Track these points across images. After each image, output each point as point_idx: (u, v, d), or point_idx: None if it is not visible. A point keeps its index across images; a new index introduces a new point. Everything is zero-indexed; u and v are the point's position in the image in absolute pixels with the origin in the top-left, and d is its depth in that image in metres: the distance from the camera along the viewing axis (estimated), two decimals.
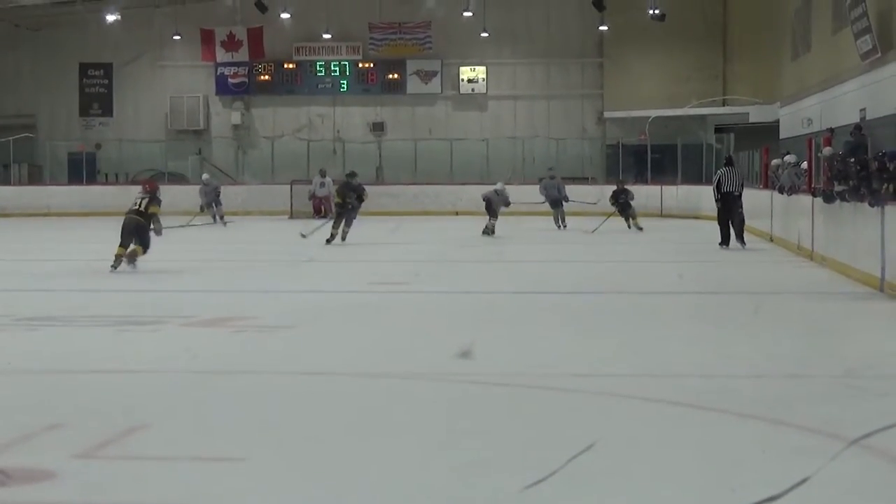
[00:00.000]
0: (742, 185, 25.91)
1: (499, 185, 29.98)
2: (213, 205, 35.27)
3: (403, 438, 7.76)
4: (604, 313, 14.57)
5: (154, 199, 19.67)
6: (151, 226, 19.40)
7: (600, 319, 14.03)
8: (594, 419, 8.33)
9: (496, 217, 28.72)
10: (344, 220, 25.68)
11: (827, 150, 21.16)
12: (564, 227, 31.77)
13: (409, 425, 8.18)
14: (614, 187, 31.98)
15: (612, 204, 31.08)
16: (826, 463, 6.66)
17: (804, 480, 6.22)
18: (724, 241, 25.02)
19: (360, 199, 26.21)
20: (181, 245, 26.46)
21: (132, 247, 19.15)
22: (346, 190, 26.28)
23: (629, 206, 30.67)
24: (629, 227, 30.69)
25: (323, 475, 6.83)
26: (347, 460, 7.18)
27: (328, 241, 25.16)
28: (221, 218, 35.04)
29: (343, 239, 25.30)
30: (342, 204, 25.88)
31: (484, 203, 29.21)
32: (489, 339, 11.78)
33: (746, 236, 25.40)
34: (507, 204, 29.41)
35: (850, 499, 6.26)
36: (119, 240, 19.04)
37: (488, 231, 28.49)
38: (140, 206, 19.51)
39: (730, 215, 25.07)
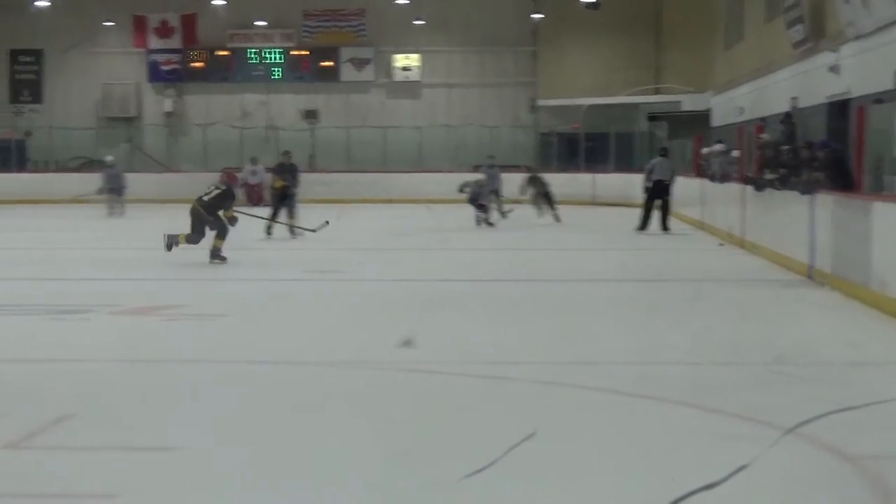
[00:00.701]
0: (673, 175, 26.76)
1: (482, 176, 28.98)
2: (117, 193, 33.04)
3: (339, 428, 7.74)
4: (539, 301, 14.60)
5: (228, 194, 19.11)
6: (217, 217, 18.71)
7: (535, 307, 14.05)
8: (531, 408, 8.33)
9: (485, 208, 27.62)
10: (287, 212, 24.13)
11: (765, 136, 21.32)
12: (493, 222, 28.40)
13: (345, 414, 8.16)
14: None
15: (525, 192, 30.31)
16: (763, 451, 6.72)
17: (742, 468, 6.27)
18: (643, 226, 25.92)
19: (296, 180, 25.06)
20: (109, 232, 26.31)
21: (212, 239, 18.76)
22: (283, 171, 25.08)
23: (549, 195, 29.98)
24: (547, 216, 29.29)
25: (255, 465, 6.78)
26: (280, 450, 7.14)
27: (268, 233, 23.83)
28: (121, 207, 32.77)
29: (293, 234, 23.82)
30: (284, 187, 24.29)
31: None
32: (425, 328, 11.76)
33: (677, 223, 25.75)
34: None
35: (787, 486, 6.30)
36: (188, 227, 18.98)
37: (483, 222, 27.32)
38: (208, 195, 18.92)
39: (655, 203, 26.04)
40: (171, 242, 18.79)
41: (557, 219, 28.93)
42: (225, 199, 18.93)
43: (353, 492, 6.25)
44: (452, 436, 7.50)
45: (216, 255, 18.62)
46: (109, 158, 34.36)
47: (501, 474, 6.42)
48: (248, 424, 7.82)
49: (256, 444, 7.29)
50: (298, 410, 8.27)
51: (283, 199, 24.26)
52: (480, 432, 7.51)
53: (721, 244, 16.86)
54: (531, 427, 7.30)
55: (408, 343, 10.61)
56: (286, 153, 26.42)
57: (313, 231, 22.39)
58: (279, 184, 24.61)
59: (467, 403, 8.54)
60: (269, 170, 27.73)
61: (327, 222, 22.70)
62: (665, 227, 25.87)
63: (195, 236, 18.89)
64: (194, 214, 18.87)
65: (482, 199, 27.55)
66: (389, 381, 9.46)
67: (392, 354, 10.36)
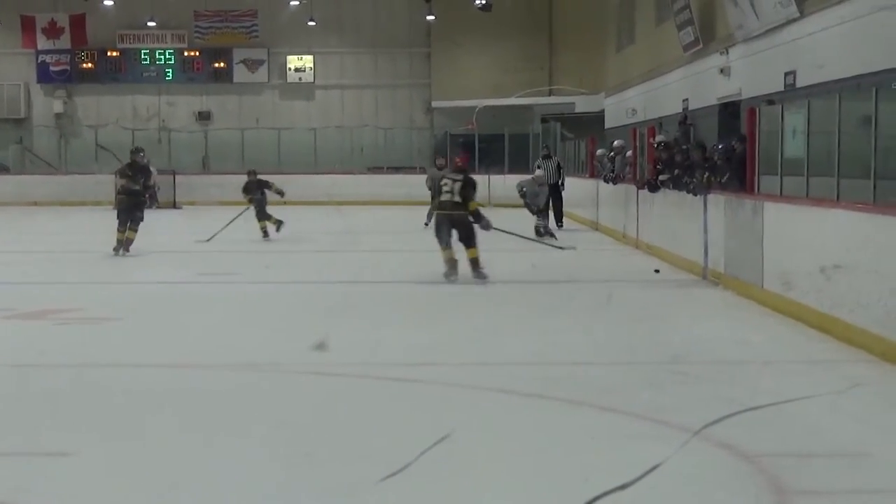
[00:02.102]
0: (560, 174, 28.22)
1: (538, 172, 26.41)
2: None
3: (243, 429, 7.70)
4: (436, 302, 14.61)
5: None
6: None
7: (433, 308, 14.09)
8: (433, 410, 8.36)
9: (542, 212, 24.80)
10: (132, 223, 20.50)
11: (660, 137, 21.51)
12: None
13: (248, 416, 8.12)
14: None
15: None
16: (671, 451, 6.78)
17: (654, 468, 6.33)
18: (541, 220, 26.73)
19: (148, 184, 22.31)
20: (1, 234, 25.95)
21: None
22: (133, 173, 21.21)
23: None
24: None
25: (150, 470, 6.74)
26: (176, 455, 7.09)
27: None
28: None
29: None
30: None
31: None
32: (330, 331, 11.68)
33: (572, 223, 26.10)
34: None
35: (689, 486, 6.38)
36: None
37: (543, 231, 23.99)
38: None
39: (555, 201, 27.27)
40: None
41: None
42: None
43: (252, 499, 6.21)
44: (362, 439, 7.47)
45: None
46: None
47: (414, 478, 6.42)
48: (142, 429, 7.74)
49: (151, 449, 7.23)
50: (196, 414, 8.21)
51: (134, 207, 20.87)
52: (390, 436, 7.50)
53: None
54: (442, 430, 7.29)
55: (321, 346, 10.56)
56: (136, 150, 22.52)
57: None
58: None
59: (375, 406, 8.53)
60: (117, 171, 25.23)
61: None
62: (559, 223, 27.22)
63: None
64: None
65: (539, 200, 24.51)
66: (292, 384, 9.42)
67: (295, 357, 10.32)
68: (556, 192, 27.53)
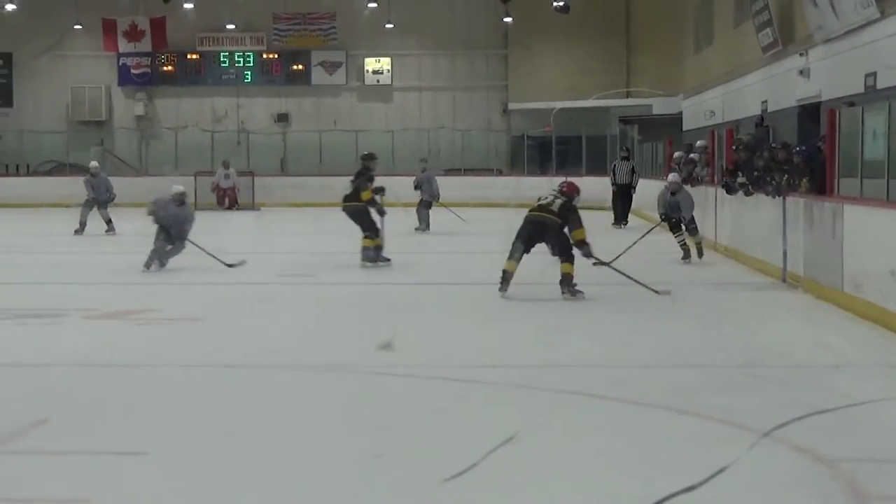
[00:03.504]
0: (633, 176, 30.20)
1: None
2: (104, 208, 27.57)
3: (316, 430, 7.75)
4: (507, 303, 14.58)
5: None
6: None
7: (503, 310, 14.08)
8: (505, 411, 8.33)
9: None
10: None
11: (744, 138, 21.32)
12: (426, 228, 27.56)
13: (323, 417, 8.17)
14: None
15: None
16: (741, 454, 6.74)
17: (720, 471, 6.29)
18: (617, 221, 29.56)
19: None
20: (83, 236, 26.18)
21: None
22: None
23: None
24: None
25: (227, 469, 6.80)
26: (254, 454, 7.13)
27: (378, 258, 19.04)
28: (109, 223, 27.40)
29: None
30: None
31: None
32: (402, 332, 11.76)
33: (647, 226, 25.99)
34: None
35: (763, 489, 6.33)
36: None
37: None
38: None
39: (624, 201, 29.86)
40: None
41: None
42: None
43: (328, 497, 6.25)
44: (430, 439, 7.49)
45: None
46: (94, 164, 29.14)
47: (480, 478, 6.42)
48: (221, 429, 7.81)
49: (229, 448, 7.29)
50: (272, 414, 8.28)
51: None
52: (458, 436, 7.52)
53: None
54: (508, 431, 7.30)
55: (387, 346, 10.61)
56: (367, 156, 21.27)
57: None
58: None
59: (445, 407, 8.55)
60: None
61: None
62: (625, 221, 29.50)
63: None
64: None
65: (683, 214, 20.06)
66: (366, 384, 9.46)
67: (368, 358, 10.36)
68: (626, 192, 29.86)
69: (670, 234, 19.94)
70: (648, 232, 19.08)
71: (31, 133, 46.30)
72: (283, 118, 47.39)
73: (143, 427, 7.82)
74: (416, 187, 27.49)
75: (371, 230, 18.70)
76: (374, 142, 43.67)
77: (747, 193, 18.53)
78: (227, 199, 37.70)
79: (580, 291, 14.71)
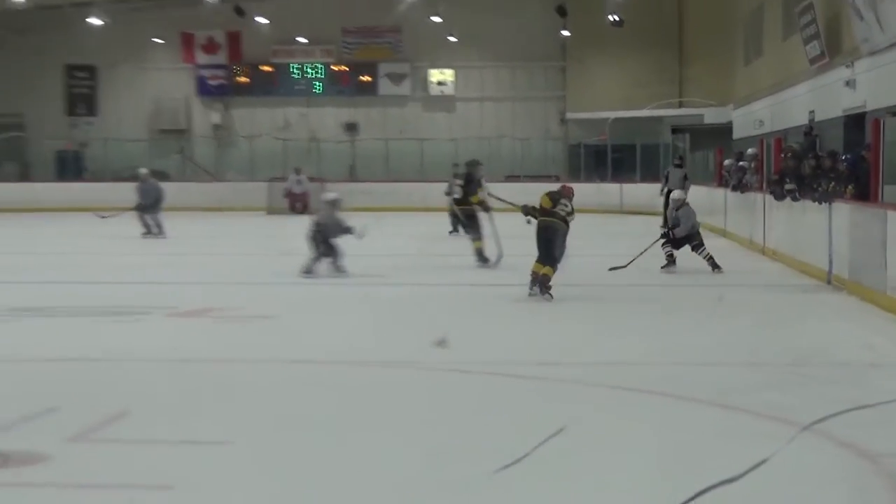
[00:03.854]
0: (685, 183, 28.73)
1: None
2: (152, 212, 26.95)
3: (379, 423, 7.81)
4: (563, 303, 14.58)
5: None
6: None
7: (560, 309, 14.06)
8: (559, 406, 8.37)
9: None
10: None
11: (795, 146, 21.23)
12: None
13: (385, 411, 8.23)
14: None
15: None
16: (781, 447, 6.73)
17: (761, 463, 6.28)
18: (666, 225, 27.23)
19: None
20: (160, 238, 26.37)
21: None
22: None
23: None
24: None
25: (300, 459, 6.88)
26: (324, 444, 7.22)
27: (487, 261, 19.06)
28: (159, 227, 26.82)
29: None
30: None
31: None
32: (461, 330, 11.81)
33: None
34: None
35: (804, 481, 6.32)
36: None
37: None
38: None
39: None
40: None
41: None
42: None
43: (385, 488, 6.30)
44: (483, 432, 7.53)
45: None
46: (143, 171, 28.61)
47: (530, 469, 6.45)
48: (293, 420, 7.89)
49: (300, 438, 7.37)
50: (340, 407, 8.36)
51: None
52: (509, 429, 7.54)
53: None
54: (558, 424, 7.31)
55: (442, 343, 10.65)
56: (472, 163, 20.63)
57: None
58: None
59: (501, 402, 8.60)
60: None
61: None
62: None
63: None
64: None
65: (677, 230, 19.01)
66: (425, 379, 9.53)
67: (428, 355, 10.39)
68: None
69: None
70: (652, 245, 18.51)
71: (114, 141, 46.74)
72: (351, 127, 47.57)
73: (219, 418, 7.91)
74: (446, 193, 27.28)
75: (476, 233, 18.95)
76: (438, 150, 43.79)
77: (795, 199, 18.46)
78: (299, 204, 37.85)
79: (551, 294, 14.57)
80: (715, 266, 18.31)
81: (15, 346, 11.23)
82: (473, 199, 19.22)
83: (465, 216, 19.49)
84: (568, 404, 8.45)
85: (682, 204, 19.20)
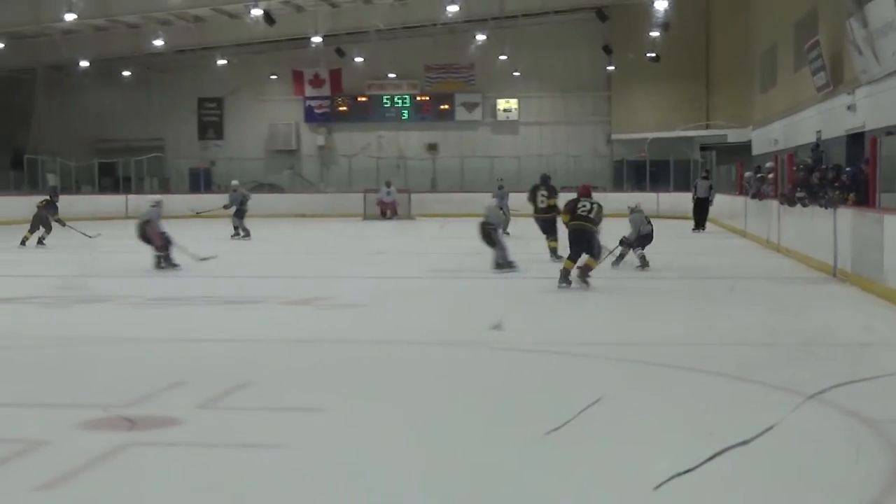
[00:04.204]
0: (711, 192, 30.19)
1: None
2: (236, 215, 26.93)
3: (449, 393, 7.78)
4: (610, 291, 14.45)
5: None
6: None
7: (606, 297, 13.96)
8: (598, 379, 8.27)
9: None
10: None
11: (809, 160, 20.99)
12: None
13: (453, 383, 8.20)
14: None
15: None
16: (787, 414, 6.61)
17: (770, 428, 6.17)
18: (696, 227, 29.71)
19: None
20: (275, 239, 26.58)
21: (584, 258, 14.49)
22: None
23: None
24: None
25: (385, 420, 6.87)
26: (405, 409, 7.21)
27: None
28: (236, 229, 26.48)
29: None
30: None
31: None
32: (516, 316, 11.77)
33: (725, 232, 25.80)
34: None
35: (811, 443, 6.20)
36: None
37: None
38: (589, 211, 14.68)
39: (701, 211, 30.05)
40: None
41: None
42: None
43: (455, 447, 6.26)
44: (533, 401, 7.46)
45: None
46: (234, 182, 28.31)
47: (574, 432, 6.38)
48: (380, 391, 7.86)
49: (386, 406, 7.34)
50: (417, 380, 8.33)
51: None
52: (558, 398, 7.45)
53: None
54: (597, 394, 7.22)
55: (498, 327, 10.59)
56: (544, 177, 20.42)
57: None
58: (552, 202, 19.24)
59: (551, 376, 8.52)
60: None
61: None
62: (703, 227, 29.68)
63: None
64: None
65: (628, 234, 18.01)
66: (486, 357, 9.45)
67: (496, 336, 10.32)
68: (705, 205, 30.02)
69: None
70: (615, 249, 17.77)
71: (237, 159, 47.24)
72: (432, 147, 47.71)
73: (321, 389, 7.90)
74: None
75: (554, 235, 18.88)
76: (505, 166, 43.76)
77: (805, 205, 18.21)
78: (389, 211, 37.95)
79: (587, 283, 14.32)
80: (645, 264, 17.44)
81: (148, 329, 11.31)
82: (551, 202, 19.17)
83: (547, 220, 19.25)
84: (604, 378, 8.36)
85: (633, 211, 18.36)
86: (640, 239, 17.76)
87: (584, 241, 14.41)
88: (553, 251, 18.82)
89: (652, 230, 18.01)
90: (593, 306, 13.15)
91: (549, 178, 20.37)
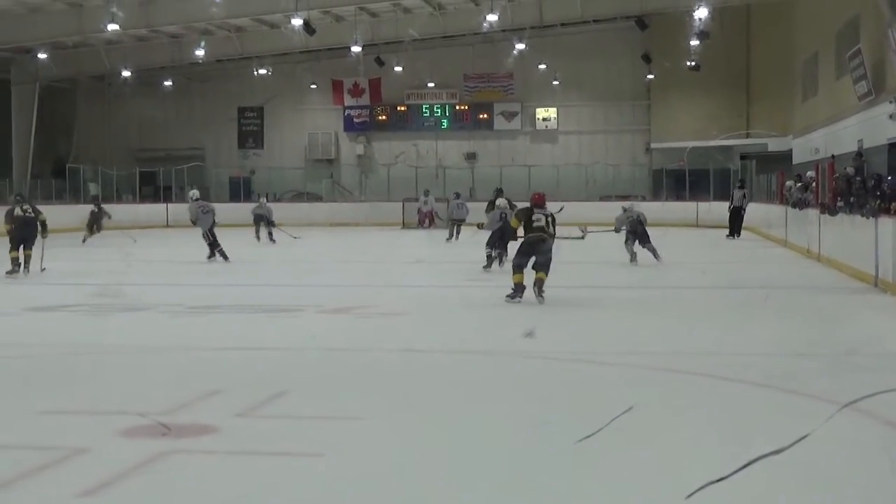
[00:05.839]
0: (745, 201, 31.14)
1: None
2: (263, 224, 29.21)
3: (482, 402, 7.77)
4: (648, 301, 14.41)
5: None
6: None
7: (644, 307, 13.95)
8: (631, 388, 8.23)
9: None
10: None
11: (849, 170, 20.88)
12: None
13: (487, 392, 8.19)
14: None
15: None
16: (823, 423, 6.55)
17: (805, 437, 6.13)
18: (731, 234, 30.40)
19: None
20: (313, 248, 26.66)
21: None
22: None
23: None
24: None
25: (420, 429, 6.89)
26: (439, 418, 7.23)
27: None
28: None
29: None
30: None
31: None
32: (551, 325, 11.79)
33: (765, 241, 25.65)
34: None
35: (843, 452, 6.17)
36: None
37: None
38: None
39: (736, 219, 30.79)
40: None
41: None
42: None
43: (497, 453, 6.28)
44: (568, 409, 7.46)
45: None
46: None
47: (607, 439, 6.36)
48: (415, 399, 7.89)
49: (421, 414, 7.36)
50: (454, 388, 8.33)
51: None
52: (591, 406, 7.44)
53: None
54: (630, 403, 7.18)
55: (529, 335, 10.58)
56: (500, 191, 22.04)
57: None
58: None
59: (593, 384, 8.50)
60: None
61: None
62: (738, 234, 30.41)
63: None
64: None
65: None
66: (534, 367, 9.44)
67: (536, 346, 10.32)
68: (739, 213, 30.87)
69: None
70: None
71: (277, 169, 47.53)
72: (471, 156, 47.71)
73: (358, 398, 7.91)
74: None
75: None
76: (543, 175, 43.70)
77: (846, 214, 18.09)
78: (427, 220, 38.02)
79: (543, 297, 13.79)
80: (633, 257, 20.00)
81: (187, 337, 11.39)
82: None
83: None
84: (637, 387, 8.30)
85: (624, 210, 20.74)
86: (632, 235, 20.09)
87: (536, 253, 13.91)
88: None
89: (643, 227, 20.29)
90: (628, 315, 13.10)
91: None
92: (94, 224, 29.44)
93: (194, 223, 22.56)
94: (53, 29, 38.14)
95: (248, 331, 12.01)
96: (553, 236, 14.15)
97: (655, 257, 19.91)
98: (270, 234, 29.12)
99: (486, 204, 24.30)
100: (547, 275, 13.90)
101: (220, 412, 7.23)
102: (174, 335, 11.56)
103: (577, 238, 18.56)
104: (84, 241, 28.06)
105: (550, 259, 13.98)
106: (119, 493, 5.47)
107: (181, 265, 21.91)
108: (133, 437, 6.55)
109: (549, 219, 14.20)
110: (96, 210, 29.88)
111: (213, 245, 21.92)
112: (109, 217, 29.97)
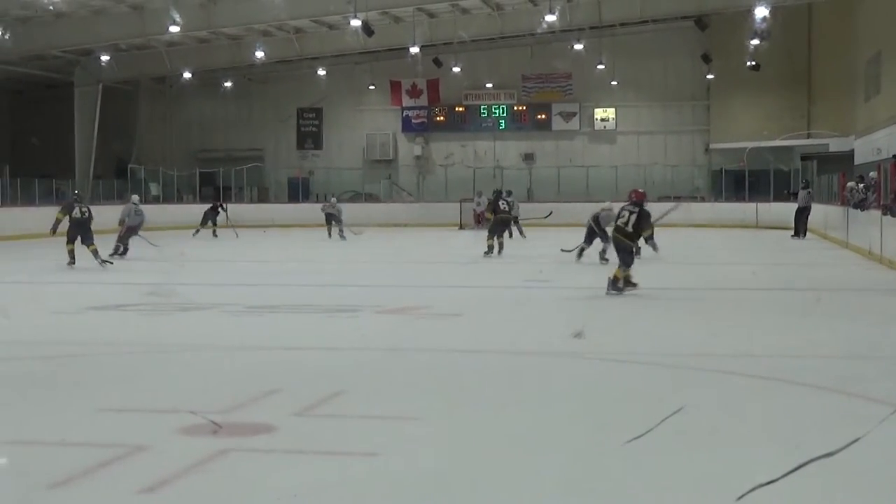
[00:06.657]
0: (810, 201, 31.18)
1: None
2: (334, 222, 31.30)
3: (536, 403, 7.77)
4: (708, 302, 14.30)
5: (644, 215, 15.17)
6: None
7: (702, 308, 13.81)
8: (683, 389, 8.19)
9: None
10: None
11: (871, 175, 20.66)
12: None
13: (541, 392, 8.19)
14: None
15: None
16: (876, 426, 6.48)
17: (857, 440, 6.07)
18: (796, 235, 30.71)
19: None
20: (372, 248, 26.74)
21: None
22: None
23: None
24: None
25: (475, 429, 6.90)
26: (498, 417, 7.25)
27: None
28: (341, 232, 30.66)
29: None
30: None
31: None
32: (606, 325, 11.80)
33: (826, 243, 25.40)
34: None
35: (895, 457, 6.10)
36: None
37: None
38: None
39: (801, 220, 30.94)
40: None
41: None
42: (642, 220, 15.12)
43: (549, 452, 6.28)
44: (617, 410, 7.45)
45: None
46: (332, 199, 31.83)
47: (655, 441, 6.36)
48: (471, 399, 7.90)
49: (476, 415, 7.38)
50: (509, 388, 8.33)
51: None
52: (640, 407, 7.41)
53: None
54: (683, 404, 7.15)
55: (578, 335, 10.54)
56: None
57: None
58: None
59: (650, 386, 8.44)
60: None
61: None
62: (803, 235, 30.46)
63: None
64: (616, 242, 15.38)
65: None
66: (587, 367, 9.45)
67: (588, 346, 10.29)
68: (805, 214, 30.97)
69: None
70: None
71: (335, 169, 47.79)
72: (529, 157, 47.67)
73: (415, 398, 7.95)
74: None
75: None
76: (601, 176, 43.57)
77: None
78: (483, 220, 38.06)
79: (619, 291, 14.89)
80: (602, 258, 20.39)
81: (246, 337, 11.49)
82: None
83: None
84: (689, 388, 8.26)
85: (603, 210, 21.08)
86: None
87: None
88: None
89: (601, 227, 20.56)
90: (683, 316, 13.04)
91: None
92: (209, 220, 33.58)
93: (122, 222, 23.82)
94: (116, 31, 38.62)
95: (307, 331, 12.09)
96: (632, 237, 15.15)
97: (601, 259, 20.38)
98: (341, 231, 30.70)
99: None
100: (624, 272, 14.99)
101: (278, 411, 7.30)
102: (234, 335, 11.66)
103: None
104: (196, 233, 32.60)
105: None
106: (178, 490, 5.55)
107: (237, 263, 22.13)
108: (192, 435, 6.63)
109: (630, 217, 15.09)
110: (218, 207, 34.09)
111: (122, 243, 23.43)
112: (227, 217, 33.81)
